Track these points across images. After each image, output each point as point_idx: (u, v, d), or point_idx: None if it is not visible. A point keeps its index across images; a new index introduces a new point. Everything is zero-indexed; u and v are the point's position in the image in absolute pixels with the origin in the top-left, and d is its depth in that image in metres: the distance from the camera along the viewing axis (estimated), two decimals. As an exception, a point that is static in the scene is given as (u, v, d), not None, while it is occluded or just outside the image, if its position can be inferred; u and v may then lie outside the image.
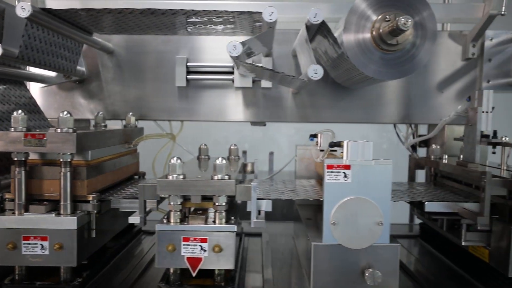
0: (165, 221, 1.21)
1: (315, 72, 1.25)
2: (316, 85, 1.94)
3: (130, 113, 1.86)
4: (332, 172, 1.24)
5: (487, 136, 1.46)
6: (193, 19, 1.50)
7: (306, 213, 1.64)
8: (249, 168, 1.88)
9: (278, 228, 2.13)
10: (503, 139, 1.44)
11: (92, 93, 1.98)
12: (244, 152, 2.21)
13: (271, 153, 2.44)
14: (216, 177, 1.21)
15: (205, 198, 1.23)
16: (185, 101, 1.97)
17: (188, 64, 1.91)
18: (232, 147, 1.85)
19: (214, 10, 1.40)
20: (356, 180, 1.24)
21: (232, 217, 1.24)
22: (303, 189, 1.55)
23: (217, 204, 1.22)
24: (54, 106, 1.98)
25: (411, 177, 1.92)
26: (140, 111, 1.99)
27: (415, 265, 1.61)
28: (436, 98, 1.94)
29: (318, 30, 1.38)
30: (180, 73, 1.90)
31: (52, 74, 1.84)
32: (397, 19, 1.18)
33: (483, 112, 1.49)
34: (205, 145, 1.83)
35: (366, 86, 1.85)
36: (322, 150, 1.83)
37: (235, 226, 1.20)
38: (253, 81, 1.91)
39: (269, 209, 1.34)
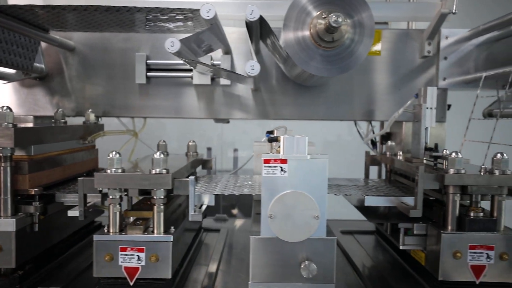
0: (105, 231, 1.24)
1: (251, 68, 1.27)
2: (276, 82, 1.96)
3: (90, 110, 1.88)
4: (269, 166, 1.27)
5: (430, 149, 1.49)
6: (151, 16, 1.52)
7: (259, 208, 1.66)
8: (211, 164, 1.92)
9: (244, 224, 2.16)
10: (444, 152, 1.46)
11: (54, 90, 2.00)
12: (209, 149, 2.23)
13: (235, 150, 2.46)
14: (153, 171, 1.23)
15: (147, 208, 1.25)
16: (146, 98, 1.99)
17: (148, 61, 1.93)
18: (190, 143, 1.87)
19: (167, 8, 1.42)
20: (293, 174, 1.26)
21: (172, 227, 1.27)
22: (250, 185, 1.57)
23: (155, 197, 1.24)
24: (17, 103, 2.00)
25: (367, 174, 1.94)
26: (103, 108, 2.00)
27: (362, 260, 1.63)
28: (396, 95, 1.96)
29: (261, 28, 1.40)
30: (140, 70, 1.92)
31: (11, 71, 1.86)
32: (329, 16, 1.20)
33: (427, 108, 1.51)
34: (193, 141, 1.86)
35: (318, 83, 1.87)
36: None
37: (171, 236, 1.23)
38: (212, 79, 1.94)
39: (212, 203, 1.37)
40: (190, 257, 1.57)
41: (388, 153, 1.82)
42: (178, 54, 1.31)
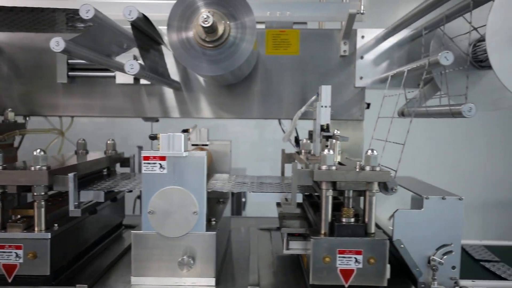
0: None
1: (131, 67, 1.30)
2: (197, 81, 1.99)
3: (9, 109, 1.90)
4: (149, 163, 1.30)
5: (323, 130, 1.52)
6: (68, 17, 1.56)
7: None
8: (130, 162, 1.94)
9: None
10: (336, 132, 1.50)
11: (-21, 90, 2.02)
12: (140, 147, 2.25)
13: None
14: (32, 168, 1.26)
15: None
16: (71, 97, 2.02)
17: (69, 61, 1.96)
18: (108, 142, 1.90)
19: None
20: (171, 171, 1.29)
21: (56, 225, 1.30)
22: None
23: (35, 194, 1.27)
24: None
25: (283, 171, 1.98)
26: (28, 107, 2.03)
27: (261, 256, 1.65)
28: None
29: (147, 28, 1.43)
30: (61, 69, 1.95)
31: None
32: (200, 16, 1.23)
33: (322, 106, 1.54)
34: (112, 140, 1.89)
35: (226, 82, 1.90)
36: (194, 145, 1.90)
37: (49, 234, 1.26)
38: (136, 78, 1.97)
39: (101, 199, 1.40)
40: (95, 252, 1.60)
41: (303, 151, 1.85)
42: (67, 52, 1.34)
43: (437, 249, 1.36)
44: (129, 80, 1.96)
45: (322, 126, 1.53)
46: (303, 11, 1.96)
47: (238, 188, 1.48)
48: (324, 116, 1.53)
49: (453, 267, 1.37)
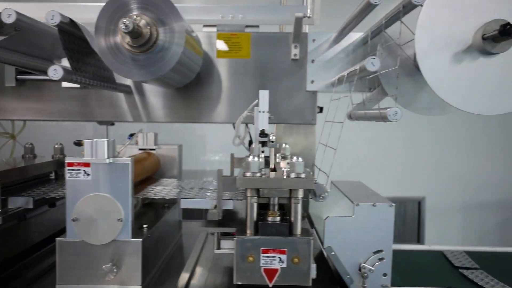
0: None
1: (54, 72, 1.28)
2: (148, 85, 1.97)
3: (-46, 113, 1.88)
4: (73, 169, 1.28)
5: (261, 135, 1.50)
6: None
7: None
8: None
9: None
10: (271, 137, 1.48)
11: None
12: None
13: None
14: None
15: None
16: (20, 100, 2.00)
17: (18, 64, 1.94)
18: (56, 146, 1.88)
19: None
20: (96, 178, 1.28)
21: None
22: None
23: None
24: None
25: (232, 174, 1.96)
26: (-22, 111, 2.01)
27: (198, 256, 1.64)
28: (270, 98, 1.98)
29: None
30: (9, 73, 1.93)
31: None
32: (121, 21, 1.21)
33: (259, 111, 1.52)
34: (31, 144, 1.87)
35: (167, 87, 1.88)
36: (141, 149, 1.88)
37: None
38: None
39: (30, 206, 1.38)
40: (32, 258, 1.58)
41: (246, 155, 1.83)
42: None
43: (369, 256, 1.35)
44: (75, 83, 1.94)
45: (262, 132, 1.52)
46: (256, 14, 1.95)
47: (171, 195, 1.46)
48: (261, 121, 1.52)
49: (384, 274, 1.36)
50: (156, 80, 1.45)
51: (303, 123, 1.98)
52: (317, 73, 1.95)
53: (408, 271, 1.56)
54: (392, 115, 1.29)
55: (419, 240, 4.55)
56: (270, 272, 1.23)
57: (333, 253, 1.34)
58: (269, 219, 1.25)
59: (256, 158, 1.25)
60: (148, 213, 1.67)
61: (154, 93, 1.99)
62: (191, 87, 1.97)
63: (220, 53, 1.96)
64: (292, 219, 1.25)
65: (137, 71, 1.36)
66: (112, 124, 2.21)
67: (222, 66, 1.97)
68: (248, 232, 1.25)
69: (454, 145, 4.53)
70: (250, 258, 1.22)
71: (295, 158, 1.25)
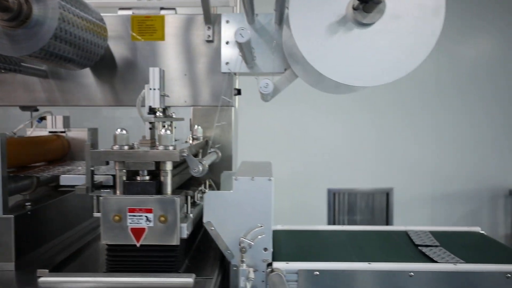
0: None
1: None
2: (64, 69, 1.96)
3: None
4: None
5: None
6: None
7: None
8: None
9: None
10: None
11: None
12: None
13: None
14: None
15: None
16: None
17: None
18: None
19: None
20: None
21: None
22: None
23: None
24: None
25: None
26: None
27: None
28: (183, 81, 1.96)
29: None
30: None
31: None
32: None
33: (150, 89, 1.51)
34: None
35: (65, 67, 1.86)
36: (51, 132, 1.87)
37: None
38: None
39: None
40: None
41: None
42: None
43: (249, 231, 1.34)
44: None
45: (151, 108, 1.50)
46: (170, -4, 1.94)
47: (54, 173, 1.45)
48: (152, 99, 1.50)
49: (265, 249, 1.35)
50: (43, 58, 1.44)
51: (222, 106, 1.97)
52: (232, 55, 1.94)
53: (367, 248, 1.55)
54: (263, 87, 1.28)
55: (386, 230, 4.54)
56: (137, 232, 1.21)
57: (212, 228, 1.33)
58: (138, 178, 1.24)
59: (124, 132, 1.24)
60: (54, 195, 1.66)
61: (70, 77, 1.97)
62: (108, 69, 1.96)
63: (134, 36, 1.95)
64: (162, 178, 1.24)
65: (12, 46, 1.35)
66: (36, 109, 2.20)
67: (136, 49, 1.96)
68: (118, 192, 1.24)
69: (422, 137, 4.53)
70: (116, 217, 1.20)
71: (163, 130, 1.24)
